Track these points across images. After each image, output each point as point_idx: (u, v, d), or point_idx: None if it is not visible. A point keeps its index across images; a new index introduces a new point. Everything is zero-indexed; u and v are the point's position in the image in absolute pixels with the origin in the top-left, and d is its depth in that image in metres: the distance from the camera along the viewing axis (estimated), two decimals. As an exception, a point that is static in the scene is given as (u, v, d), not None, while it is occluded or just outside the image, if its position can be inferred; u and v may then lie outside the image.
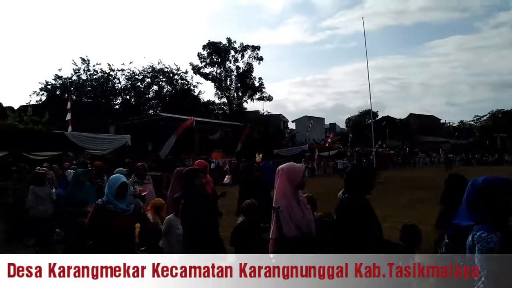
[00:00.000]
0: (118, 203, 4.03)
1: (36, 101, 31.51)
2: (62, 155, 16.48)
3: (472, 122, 69.11)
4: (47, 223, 7.62)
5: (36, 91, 33.24)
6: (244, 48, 45.31)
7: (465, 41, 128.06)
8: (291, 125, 63.08)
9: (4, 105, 29.03)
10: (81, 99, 32.74)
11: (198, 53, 44.43)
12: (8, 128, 17.59)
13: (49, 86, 33.26)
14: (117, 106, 36.79)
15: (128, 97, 38.04)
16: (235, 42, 45.14)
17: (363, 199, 3.25)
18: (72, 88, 33.27)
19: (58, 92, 32.79)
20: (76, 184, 6.59)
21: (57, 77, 33.62)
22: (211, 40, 44.66)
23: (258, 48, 45.49)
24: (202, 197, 4.32)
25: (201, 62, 44.48)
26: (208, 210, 4.29)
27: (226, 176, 22.64)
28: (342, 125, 77.80)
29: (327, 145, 38.22)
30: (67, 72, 37.66)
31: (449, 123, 74.48)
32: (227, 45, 44.88)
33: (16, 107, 26.38)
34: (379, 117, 65.23)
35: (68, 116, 16.08)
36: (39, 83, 34.23)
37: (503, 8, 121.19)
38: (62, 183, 7.93)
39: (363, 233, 3.07)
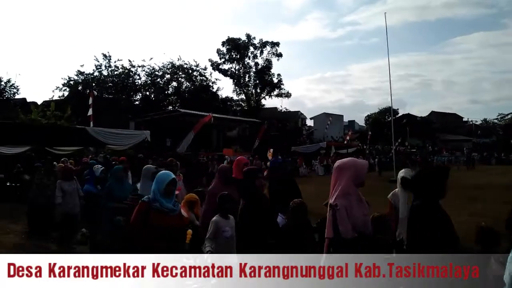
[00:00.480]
0: (164, 202, 3.71)
1: (59, 97, 32.11)
2: (83, 150, 16.91)
3: (495, 121, 67.26)
4: (74, 219, 7.57)
5: (59, 87, 33.83)
6: (263, 44, 45.20)
7: (490, 38, 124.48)
8: (309, 122, 62.69)
9: (28, 100, 30.00)
10: (102, 94, 33.19)
11: (217, 49, 44.62)
12: (31, 123, 18.15)
13: (71, 82, 33.80)
14: (137, 102, 37.26)
15: (148, 93, 38.49)
16: (254, 38, 45.07)
17: (438, 206, 2.98)
18: (93, 84, 33.77)
19: (80, 87, 33.25)
20: (116, 180, 6.47)
21: (79, 73, 34.18)
22: (230, 37, 44.83)
23: (277, 44, 45.34)
24: (262, 199, 4.16)
25: (220, 59, 44.62)
26: (268, 211, 4.11)
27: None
28: (361, 122, 76.91)
29: (345, 142, 37.89)
30: (89, 68, 38.55)
31: (472, 121, 72.62)
32: (246, 41, 44.83)
33: (39, 102, 27.18)
34: (400, 114, 64.07)
35: (90, 112, 16.44)
36: (62, 78, 34.84)
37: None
38: (90, 178, 7.74)
39: (441, 244, 2.83)
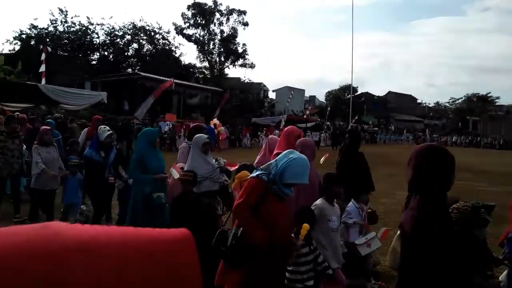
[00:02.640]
0: (283, 186, 2.87)
1: (9, 50, 30.26)
2: (34, 107, 16.18)
3: (447, 104, 70.77)
4: (50, 198, 6.16)
5: (9, 40, 31.84)
6: (230, 11, 44.29)
7: (450, 23, 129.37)
8: (272, 95, 62.93)
9: (-26, 52, 27.86)
10: (57, 51, 31.57)
11: (182, 13, 43.18)
12: (-22, 76, 17.06)
13: (23, 36, 31.80)
14: (94, 62, 35.74)
15: (106, 53, 36.91)
16: (221, 4, 44.01)
17: None
18: (47, 39, 31.96)
19: (32, 42, 31.42)
20: (150, 145, 5.07)
21: (33, 26, 32.13)
22: (196, 1, 43.39)
23: (244, 12, 44.52)
24: None
25: (185, 23, 43.30)
26: None
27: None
28: (322, 98, 78.13)
29: (305, 116, 38.58)
30: (43, 22, 36.16)
31: (425, 103, 75.95)
32: (212, 7, 43.68)
33: (-13, 55, 25.40)
34: (359, 92, 65.73)
35: (42, 68, 15.70)
36: (13, 31, 32.74)
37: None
38: (93, 142, 6.23)
39: None
